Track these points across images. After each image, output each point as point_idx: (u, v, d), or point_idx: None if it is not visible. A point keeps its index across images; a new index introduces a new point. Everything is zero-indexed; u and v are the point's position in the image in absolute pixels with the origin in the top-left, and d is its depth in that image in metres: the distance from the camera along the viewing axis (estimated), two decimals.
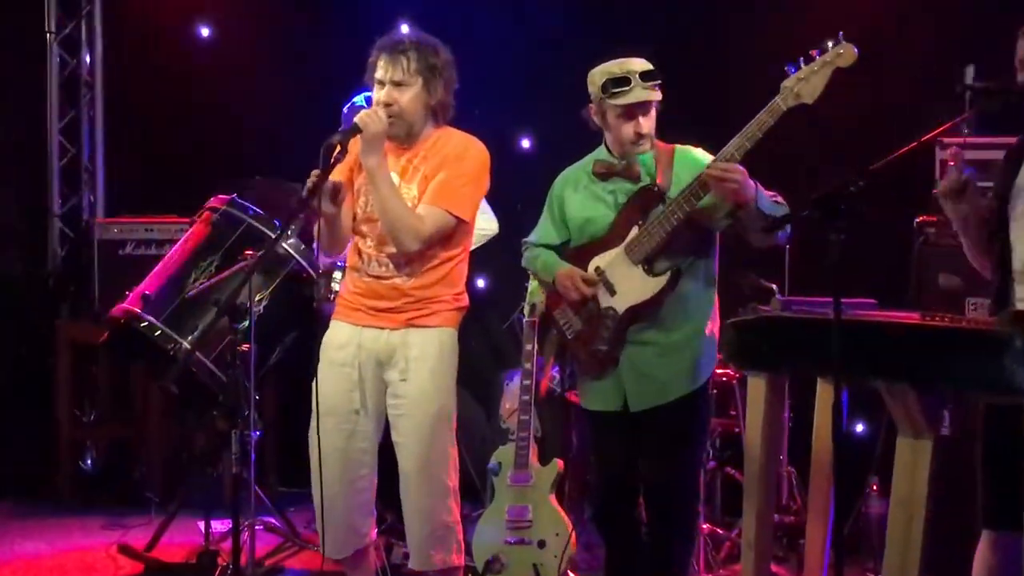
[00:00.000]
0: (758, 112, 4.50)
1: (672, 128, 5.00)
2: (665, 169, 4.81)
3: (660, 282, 4.77)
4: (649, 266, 4.76)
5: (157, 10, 8.47)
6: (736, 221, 4.69)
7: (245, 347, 4.76)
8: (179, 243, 6.28)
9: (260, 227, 5.98)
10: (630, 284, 4.81)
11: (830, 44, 4.42)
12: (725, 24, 7.51)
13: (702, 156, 4.84)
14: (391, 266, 4.75)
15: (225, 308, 4.71)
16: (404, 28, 5.37)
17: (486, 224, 6.28)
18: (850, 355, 3.88)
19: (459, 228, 4.74)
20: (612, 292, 4.84)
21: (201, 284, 5.84)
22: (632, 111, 4.78)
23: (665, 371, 4.85)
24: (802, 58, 4.45)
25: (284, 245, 5.89)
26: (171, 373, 5.61)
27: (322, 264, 5.98)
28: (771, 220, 4.50)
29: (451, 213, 4.68)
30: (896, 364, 3.99)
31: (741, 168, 4.50)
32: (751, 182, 4.54)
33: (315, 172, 4.42)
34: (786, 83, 4.47)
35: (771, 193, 4.66)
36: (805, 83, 4.42)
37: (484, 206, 6.17)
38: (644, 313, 4.83)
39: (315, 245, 4.91)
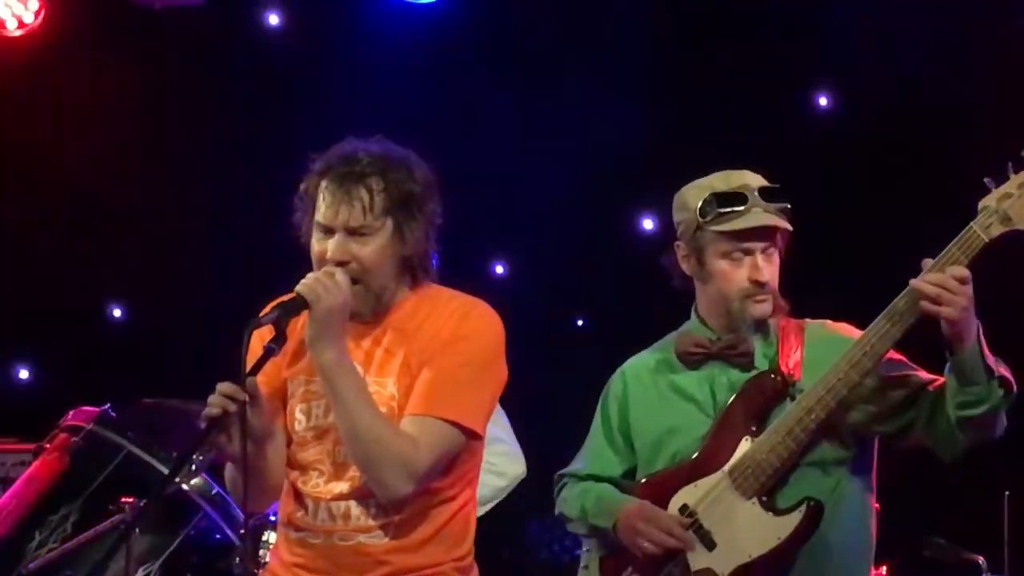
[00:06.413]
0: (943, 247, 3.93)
1: (797, 296, 4.19)
2: (791, 350, 4.12)
3: (789, 523, 3.96)
4: (770, 499, 4.03)
5: None
6: (919, 417, 3.90)
7: None
8: (16, 484, 5.52)
9: (146, 457, 5.19)
10: (739, 530, 4.03)
11: None
12: (873, 124, 6.73)
13: (847, 333, 4.11)
14: (355, 514, 3.84)
15: None
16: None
17: (506, 464, 4.78)
18: None
19: (466, 450, 3.90)
20: (709, 546, 4.03)
21: (49, 552, 5.05)
22: (748, 243, 4.08)
23: None
24: (1010, 164, 3.88)
25: (185, 487, 5.11)
26: None
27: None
28: (988, 393, 3.75)
29: (457, 425, 3.82)
30: None
31: (966, 287, 3.84)
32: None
33: (223, 386, 3.54)
34: (986, 202, 3.89)
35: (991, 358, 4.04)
36: (1017, 200, 3.84)
37: (501, 429, 4.63)
38: None
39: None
